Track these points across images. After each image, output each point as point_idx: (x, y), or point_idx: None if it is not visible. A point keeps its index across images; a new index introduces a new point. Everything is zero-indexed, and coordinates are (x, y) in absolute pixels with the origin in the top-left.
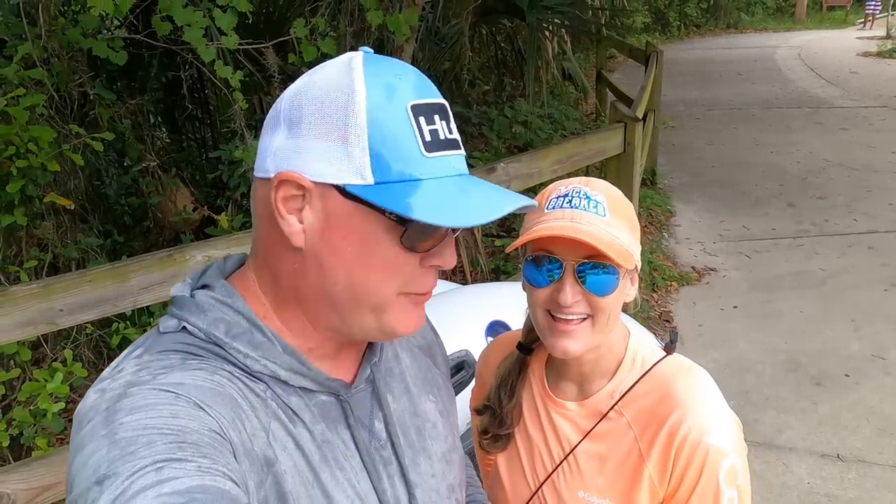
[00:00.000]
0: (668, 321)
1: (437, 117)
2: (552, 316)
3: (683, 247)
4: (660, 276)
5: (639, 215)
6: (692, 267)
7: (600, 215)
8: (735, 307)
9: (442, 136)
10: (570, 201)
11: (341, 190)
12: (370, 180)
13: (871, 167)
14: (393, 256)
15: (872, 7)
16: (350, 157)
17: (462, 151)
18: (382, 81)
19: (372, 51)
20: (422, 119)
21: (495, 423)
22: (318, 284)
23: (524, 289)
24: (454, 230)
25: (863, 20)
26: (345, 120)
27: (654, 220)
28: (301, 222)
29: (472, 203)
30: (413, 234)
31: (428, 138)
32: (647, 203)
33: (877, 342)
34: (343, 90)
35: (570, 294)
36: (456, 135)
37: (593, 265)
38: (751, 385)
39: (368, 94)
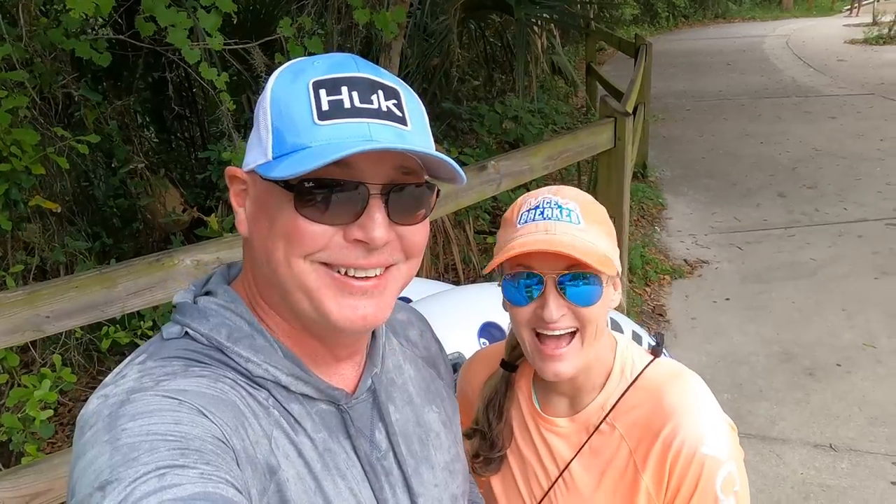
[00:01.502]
0: (661, 315)
1: (345, 88)
2: (539, 336)
3: (675, 239)
4: (652, 269)
5: (630, 209)
6: (684, 260)
7: (574, 223)
8: (727, 299)
9: (347, 105)
10: (542, 213)
11: (260, 173)
12: (270, 156)
13: (860, 156)
14: (294, 225)
15: None
16: (261, 141)
17: (392, 123)
18: (294, 68)
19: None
20: (322, 91)
21: (486, 446)
22: (259, 269)
23: (505, 308)
24: (368, 200)
25: (849, 7)
26: (260, 109)
27: (645, 214)
28: (245, 211)
29: (326, 151)
30: (304, 199)
31: (325, 108)
32: (639, 196)
33: (868, 331)
34: (265, 86)
35: (555, 309)
36: (384, 105)
37: (574, 276)
38: (744, 377)
39: (276, 80)
